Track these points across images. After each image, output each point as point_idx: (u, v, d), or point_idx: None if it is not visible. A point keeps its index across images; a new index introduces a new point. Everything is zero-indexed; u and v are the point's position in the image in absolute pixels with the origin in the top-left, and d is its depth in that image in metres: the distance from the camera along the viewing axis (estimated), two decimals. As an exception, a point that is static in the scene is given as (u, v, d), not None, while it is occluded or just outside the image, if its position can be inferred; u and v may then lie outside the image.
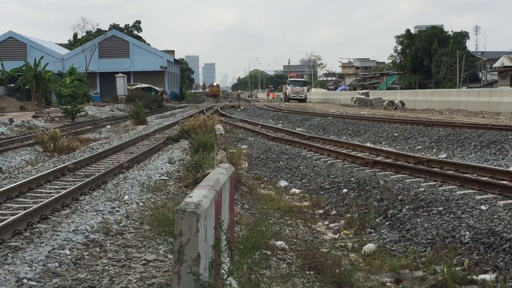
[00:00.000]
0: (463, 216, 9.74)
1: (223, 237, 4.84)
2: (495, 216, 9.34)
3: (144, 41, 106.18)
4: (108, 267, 6.83)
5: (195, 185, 9.26)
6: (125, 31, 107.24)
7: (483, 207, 10.06)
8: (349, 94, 74.34)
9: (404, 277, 8.06)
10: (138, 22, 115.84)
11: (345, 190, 13.17)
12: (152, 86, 74.93)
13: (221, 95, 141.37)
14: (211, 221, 4.41)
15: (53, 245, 7.67)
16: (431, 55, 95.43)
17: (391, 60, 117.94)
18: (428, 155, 18.39)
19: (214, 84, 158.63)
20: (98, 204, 10.60)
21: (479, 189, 11.63)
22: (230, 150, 17.59)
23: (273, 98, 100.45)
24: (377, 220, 10.87)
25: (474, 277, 7.74)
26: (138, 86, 73.39)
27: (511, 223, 8.81)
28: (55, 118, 37.20)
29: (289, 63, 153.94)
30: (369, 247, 9.33)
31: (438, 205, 10.58)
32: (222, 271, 4.61)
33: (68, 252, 7.44)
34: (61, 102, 41.99)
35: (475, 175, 13.17)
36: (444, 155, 18.33)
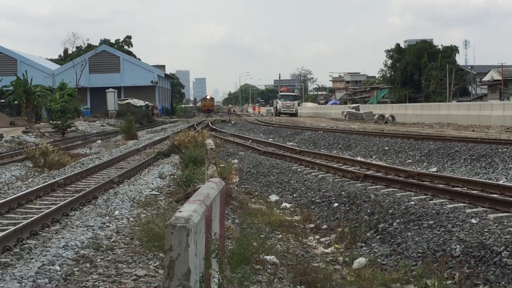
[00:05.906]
0: (453, 229, 9.76)
1: (213, 251, 4.83)
2: (485, 230, 9.36)
3: (135, 56, 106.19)
4: (99, 282, 6.80)
5: (186, 200, 9.24)
6: (116, 46, 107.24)
7: (473, 220, 10.07)
8: (340, 108, 74.62)
9: (395, 291, 8.06)
10: (129, 37, 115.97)
11: (336, 204, 13.17)
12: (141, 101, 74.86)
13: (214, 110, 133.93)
14: (201, 236, 4.40)
15: (43, 261, 7.62)
16: (421, 69, 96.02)
17: (381, 74, 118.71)
18: (419, 168, 18.43)
19: (208, 97, 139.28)
20: (88, 219, 10.55)
21: (469, 203, 11.65)
22: (221, 165, 17.58)
23: (259, 112, 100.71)
24: (368, 234, 10.88)
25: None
26: (129, 101, 73.33)
27: (502, 236, 8.83)
28: (45, 134, 37.11)
29: (279, 77, 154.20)
30: (360, 261, 9.32)
31: (428, 218, 10.59)
32: (213, 285, 4.60)
33: (58, 268, 7.40)
34: (51, 117, 41.81)
35: (466, 188, 13.19)
36: (434, 169, 18.37)
